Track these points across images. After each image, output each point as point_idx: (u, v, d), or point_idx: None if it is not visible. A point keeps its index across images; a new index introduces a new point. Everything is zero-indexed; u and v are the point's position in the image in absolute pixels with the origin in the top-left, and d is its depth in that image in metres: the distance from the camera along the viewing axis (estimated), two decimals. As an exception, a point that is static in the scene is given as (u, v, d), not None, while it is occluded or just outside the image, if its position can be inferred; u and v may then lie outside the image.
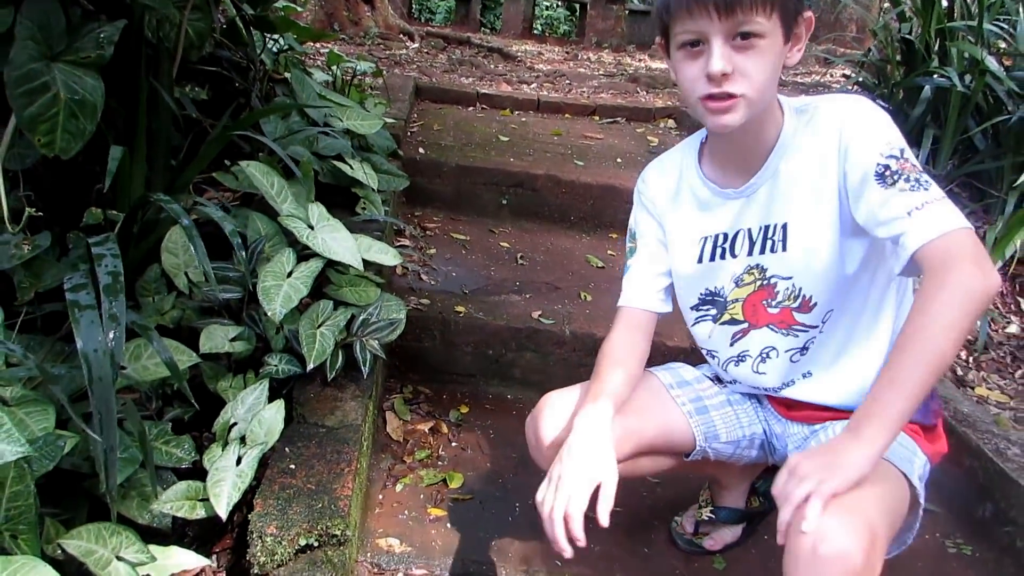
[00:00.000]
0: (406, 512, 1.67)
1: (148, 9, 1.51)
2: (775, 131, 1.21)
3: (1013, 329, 2.39)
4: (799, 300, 1.26)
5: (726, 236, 1.30)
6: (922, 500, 1.17)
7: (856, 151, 1.12)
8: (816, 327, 1.27)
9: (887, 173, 1.08)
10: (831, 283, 1.22)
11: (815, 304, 1.25)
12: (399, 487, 1.75)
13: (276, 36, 2.54)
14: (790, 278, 1.25)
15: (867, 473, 0.96)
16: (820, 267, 1.21)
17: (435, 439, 1.96)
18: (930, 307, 0.99)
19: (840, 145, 1.15)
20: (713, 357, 1.41)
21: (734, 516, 1.62)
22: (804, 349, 1.30)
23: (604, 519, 1.14)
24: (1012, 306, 2.47)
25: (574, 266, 2.74)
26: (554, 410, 1.34)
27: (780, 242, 1.24)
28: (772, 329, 1.30)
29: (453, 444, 1.95)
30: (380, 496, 1.72)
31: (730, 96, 1.09)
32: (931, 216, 1.03)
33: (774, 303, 1.28)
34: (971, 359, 2.26)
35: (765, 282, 1.27)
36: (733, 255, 1.29)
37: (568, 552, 1.12)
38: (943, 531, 1.76)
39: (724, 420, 1.41)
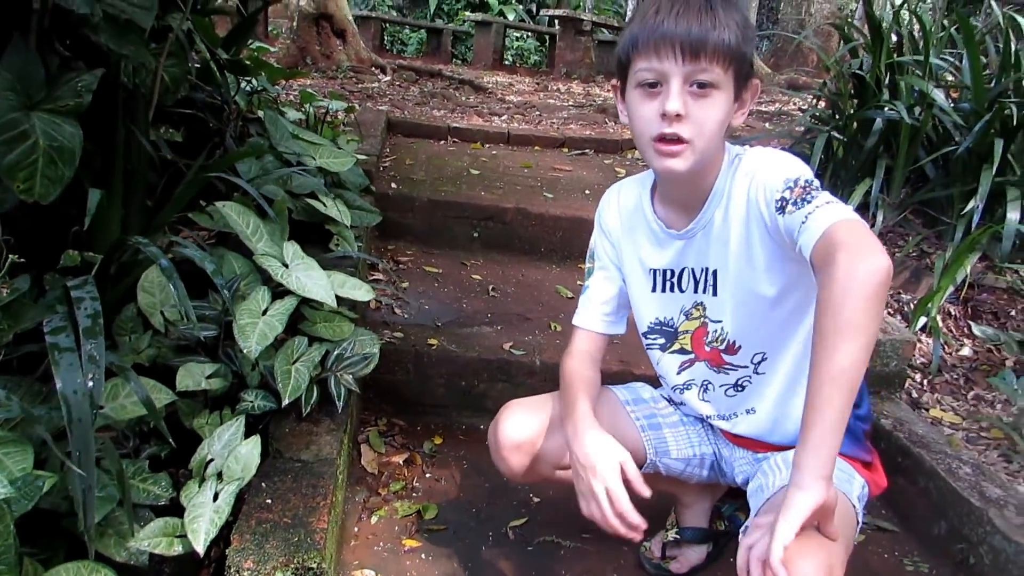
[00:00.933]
0: (381, 544, 1.70)
1: (125, 57, 1.56)
2: (713, 180, 1.27)
3: (966, 352, 2.48)
4: (725, 343, 1.34)
5: (672, 272, 1.37)
6: (860, 520, 1.24)
7: (762, 199, 1.18)
8: (746, 367, 1.35)
9: (783, 205, 1.13)
10: (759, 329, 1.29)
11: (740, 347, 1.33)
12: (374, 519, 1.78)
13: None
14: (719, 321, 1.33)
15: (812, 512, 0.96)
16: (747, 313, 1.28)
17: (409, 471, 1.99)
18: (823, 314, 0.98)
19: (750, 197, 1.21)
20: (664, 381, 1.50)
21: (698, 535, 1.67)
22: (739, 386, 1.37)
23: (644, 491, 1.23)
24: (965, 329, 2.57)
25: (544, 297, 2.80)
26: (512, 417, 1.45)
27: (711, 286, 1.31)
28: (707, 365, 1.39)
29: (427, 475, 1.98)
30: (356, 528, 1.75)
31: (680, 140, 1.15)
32: (814, 220, 1.06)
33: (707, 342, 1.36)
34: (926, 382, 2.34)
35: (705, 320, 1.35)
36: (681, 290, 1.36)
37: (637, 537, 1.22)
38: (901, 550, 1.82)
39: (676, 438, 1.50)
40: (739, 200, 1.23)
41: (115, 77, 1.63)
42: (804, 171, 1.16)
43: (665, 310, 1.40)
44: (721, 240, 1.27)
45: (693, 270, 1.34)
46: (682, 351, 1.41)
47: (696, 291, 1.35)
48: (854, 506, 1.22)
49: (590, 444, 1.26)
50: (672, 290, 1.38)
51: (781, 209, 1.13)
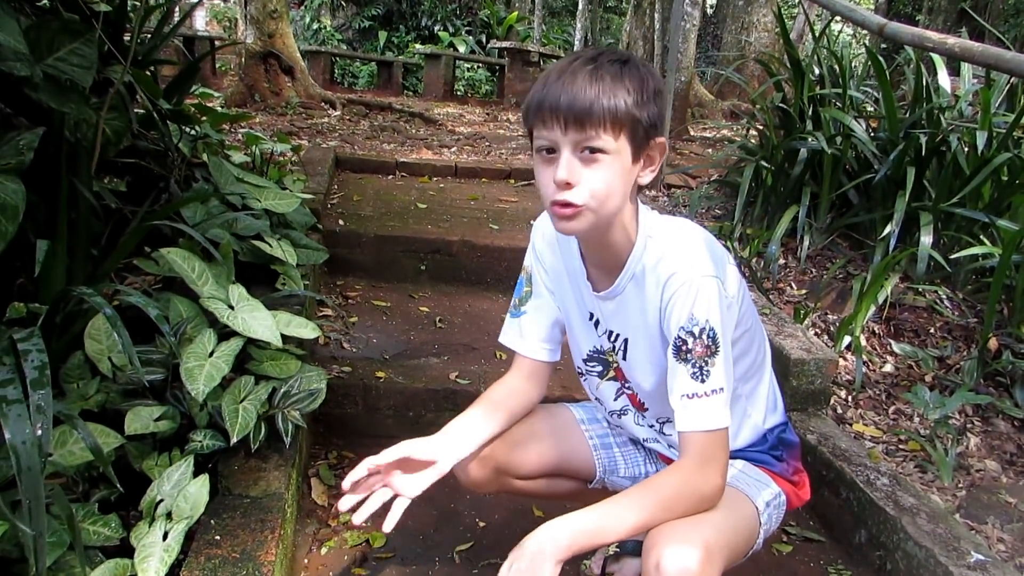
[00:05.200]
0: (331, 573, 1.76)
1: (66, 113, 1.62)
2: (626, 251, 1.29)
3: (888, 368, 2.63)
4: (637, 399, 1.44)
5: (593, 315, 1.43)
6: (763, 521, 1.35)
7: (669, 315, 1.24)
8: (653, 426, 1.46)
9: (682, 348, 1.21)
10: (663, 399, 1.32)
11: (647, 409, 1.43)
12: (324, 550, 1.83)
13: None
14: (628, 382, 1.43)
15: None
16: (651, 385, 1.36)
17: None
18: (666, 477, 1.23)
19: (662, 307, 1.25)
20: (602, 408, 1.58)
21: (637, 548, 1.74)
22: (654, 427, 1.48)
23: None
24: (888, 347, 2.72)
25: (490, 327, 2.88)
26: None
27: (622, 350, 1.38)
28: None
29: (376, 506, 2.04)
30: (306, 560, 1.80)
31: (571, 204, 1.17)
32: (696, 410, 1.20)
33: (625, 386, 1.46)
34: (850, 398, 2.48)
35: (619, 366, 1.44)
36: (598, 334, 1.43)
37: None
38: (826, 559, 1.93)
39: (625, 457, 1.59)
40: (650, 286, 1.27)
41: (58, 132, 1.69)
42: (710, 309, 1.20)
43: (600, 341, 1.45)
44: (632, 313, 1.32)
45: (610, 330, 1.40)
46: (616, 379, 1.49)
47: (608, 342, 1.41)
48: (757, 507, 1.33)
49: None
50: (596, 328, 1.44)
51: (677, 349, 1.22)
